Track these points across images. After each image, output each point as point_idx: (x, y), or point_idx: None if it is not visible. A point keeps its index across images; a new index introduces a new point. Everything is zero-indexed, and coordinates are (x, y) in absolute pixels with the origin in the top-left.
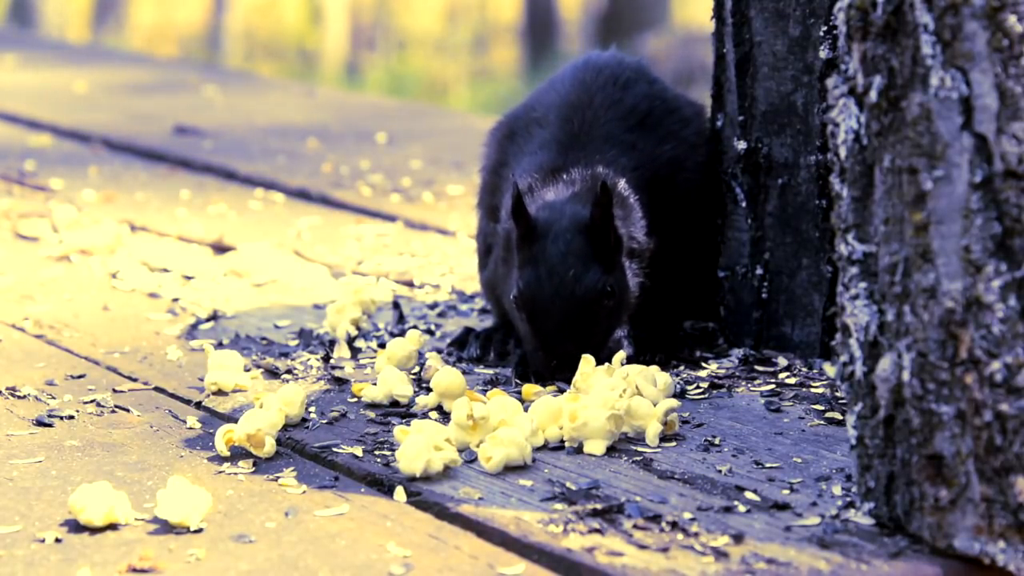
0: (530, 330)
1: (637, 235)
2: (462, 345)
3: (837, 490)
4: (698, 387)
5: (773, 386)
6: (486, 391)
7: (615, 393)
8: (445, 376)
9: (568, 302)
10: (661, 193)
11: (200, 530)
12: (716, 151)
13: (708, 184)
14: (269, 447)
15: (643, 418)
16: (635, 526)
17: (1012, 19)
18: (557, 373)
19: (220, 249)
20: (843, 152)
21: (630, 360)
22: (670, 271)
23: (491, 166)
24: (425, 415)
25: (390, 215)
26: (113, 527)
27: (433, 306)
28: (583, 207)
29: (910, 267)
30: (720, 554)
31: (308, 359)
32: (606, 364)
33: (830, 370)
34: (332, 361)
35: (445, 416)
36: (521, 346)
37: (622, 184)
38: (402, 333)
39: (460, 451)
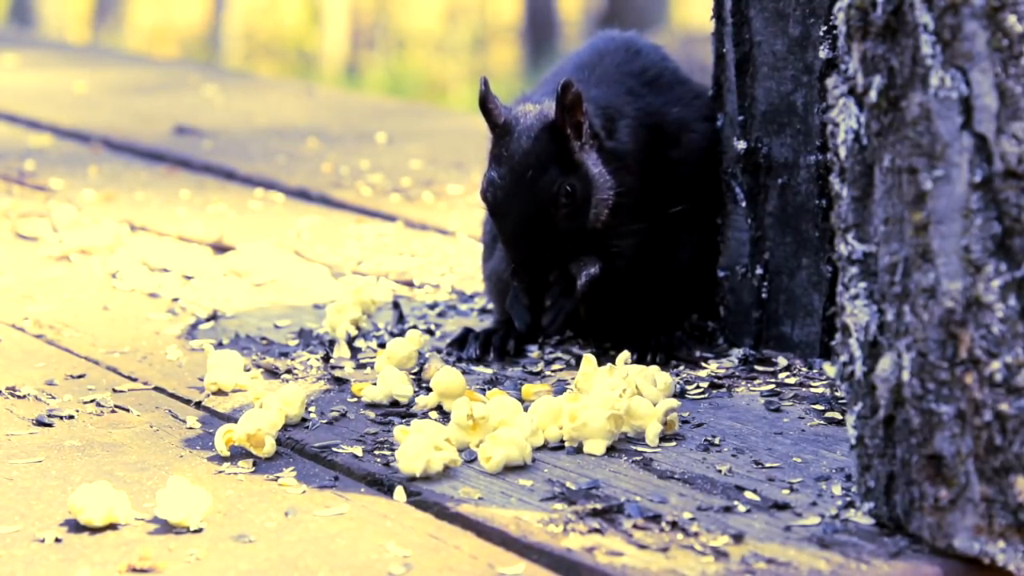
0: (496, 230)
1: (620, 137)
2: (462, 345)
3: (837, 490)
4: (698, 387)
5: (773, 386)
6: (486, 391)
7: (615, 393)
8: (445, 376)
9: (523, 202)
10: (665, 146)
11: (200, 530)
12: (716, 150)
13: (714, 154)
14: (269, 447)
15: (643, 418)
16: (635, 526)
17: (1012, 19)
18: (519, 279)
19: (220, 249)
20: (843, 152)
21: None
22: (672, 241)
23: None
24: (425, 415)
25: (390, 215)
26: (113, 527)
27: (433, 306)
28: (552, 111)
29: (910, 267)
30: (720, 554)
31: (308, 359)
32: (608, 364)
33: (830, 370)
34: (332, 361)
35: (445, 416)
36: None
37: (621, 107)
38: (402, 333)
39: (460, 451)
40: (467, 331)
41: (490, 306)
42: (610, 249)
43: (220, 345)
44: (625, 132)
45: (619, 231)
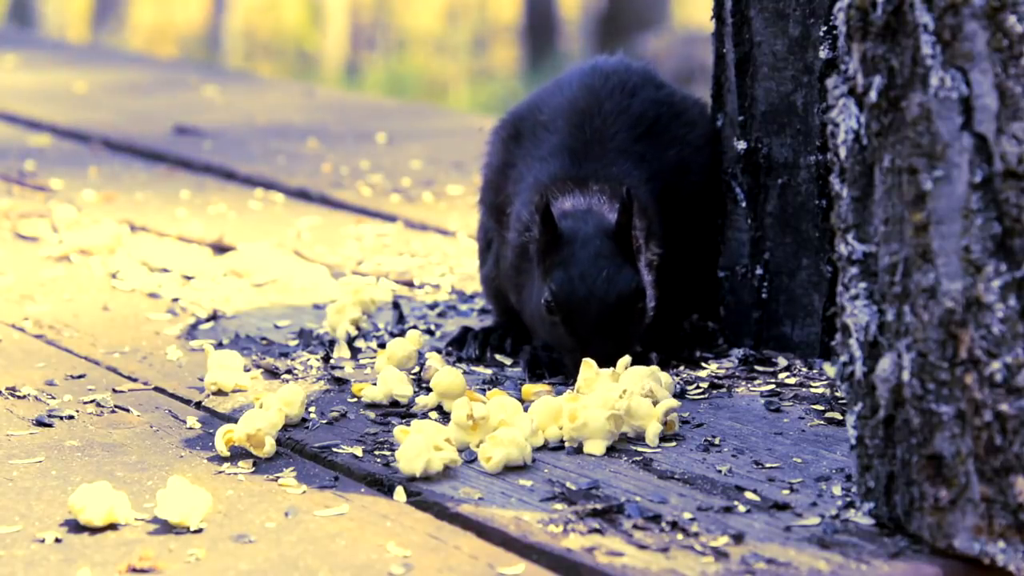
0: (565, 332)
1: (654, 247)
2: (460, 345)
3: (837, 490)
4: (698, 387)
5: (773, 386)
6: (486, 391)
7: (615, 393)
8: (445, 376)
9: (604, 302)
10: (669, 200)
11: (200, 530)
12: (717, 151)
13: (712, 186)
14: (269, 447)
15: (643, 418)
16: (635, 526)
17: (1012, 19)
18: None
19: (220, 249)
20: (843, 152)
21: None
22: (674, 273)
23: (495, 164)
24: (425, 415)
25: (390, 215)
26: (113, 527)
27: (433, 306)
28: (605, 215)
29: (910, 267)
30: (720, 554)
31: (308, 359)
32: (610, 369)
33: (830, 370)
34: (332, 361)
35: (445, 416)
36: (531, 344)
37: (641, 197)
38: (402, 333)
39: (460, 451)
40: (466, 330)
41: (489, 307)
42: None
43: (220, 345)
44: (655, 239)
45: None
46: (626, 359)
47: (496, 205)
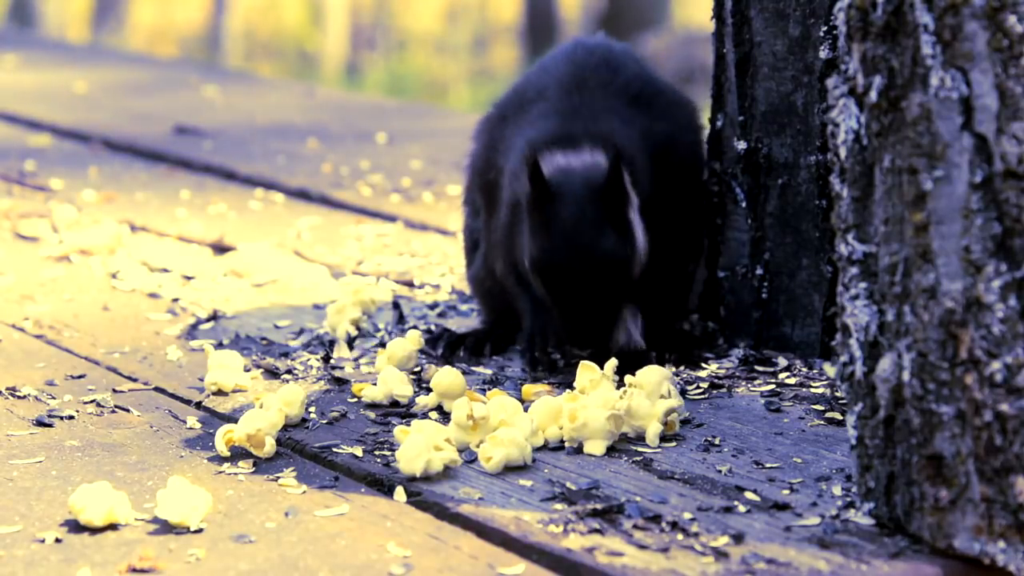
0: (547, 294)
1: (642, 186)
2: (433, 344)
3: (837, 490)
4: (698, 387)
5: (773, 386)
6: (486, 391)
7: (615, 393)
8: (445, 376)
9: (585, 268)
10: (660, 165)
11: (200, 530)
12: (715, 150)
13: (699, 165)
14: (269, 447)
15: (643, 418)
16: (635, 526)
17: (1012, 19)
18: (575, 339)
19: (220, 249)
20: (843, 152)
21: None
22: (666, 254)
23: (481, 149)
24: (425, 415)
25: (390, 215)
26: (113, 527)
27: (433, 306)
28: (595, 171)
29: (910, 267)
30: (720, 554)
31: (308, 359)
32: (612, 376)
33: (830, 370)
34: (332, 361)
35: (445, 416)
36: (524, 336)
37: (630, 144)
38: (402, 333)
39: (460, 451)
40: (443, 331)
41: (477, 305)
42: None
43: (220, 345)
44: (644, 179)
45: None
46: (613, 361)
47: (486, 184)
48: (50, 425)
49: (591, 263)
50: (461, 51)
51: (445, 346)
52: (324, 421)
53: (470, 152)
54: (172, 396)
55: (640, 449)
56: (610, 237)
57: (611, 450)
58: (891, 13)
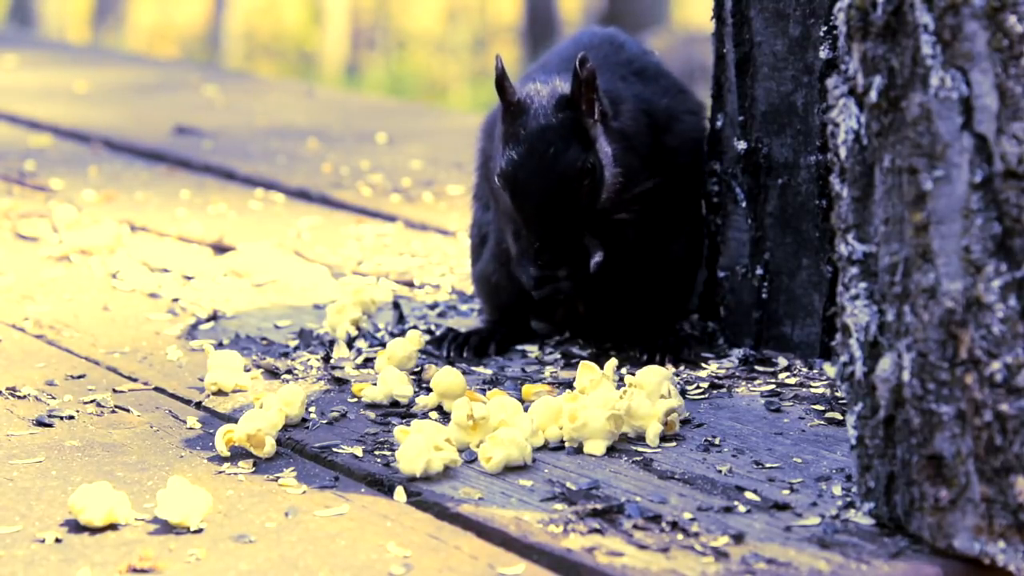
0: (513, 208)
1: (624, 119)
2: (438, 344)
3: (837, 490)
4: (698, 387)
5: (773, 386)
6: (486, 391)
7: (615, 393)
8: (445, 376)
9: (546, 179)
10: (659, 132)
11: (200, 530)
12: (715, 150)
13: (701, 145)
14: (269, 447)
15: (643, 418)
16: (635, 526)
17: (1012, 19)
18: (549, 260)
19: (220, 249)
20: (843, 152)
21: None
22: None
23: (488, 145)
24: (425, 415)
25: (390, 215)
26: (113, 527)
27: (433, 306)
28: (563, 86)
29: (910, 267)
30: (720, 554)
31: (308, 359)
32: (612, 376)
33: (830, 370)
34: (332, 361)
35: (445, 416)
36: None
37: (630, 109)
38: (402, 333)
39: (460, 451)
40: (448, 331)
41: (481, 302)
42: (613, 232)
43: (220, 345)
44: (628, 114)
45: (622, 213)
46: (613, 361)
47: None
48: (50, 425)
49: (553, 172)
50: (461, 51)
51: (450, 346)
52: (324, 421)
53: (479, 147)
54: (172, 396)
55: (640, 449)
56: (574, 148)
57: (611, 450)
58: (891, 13)
